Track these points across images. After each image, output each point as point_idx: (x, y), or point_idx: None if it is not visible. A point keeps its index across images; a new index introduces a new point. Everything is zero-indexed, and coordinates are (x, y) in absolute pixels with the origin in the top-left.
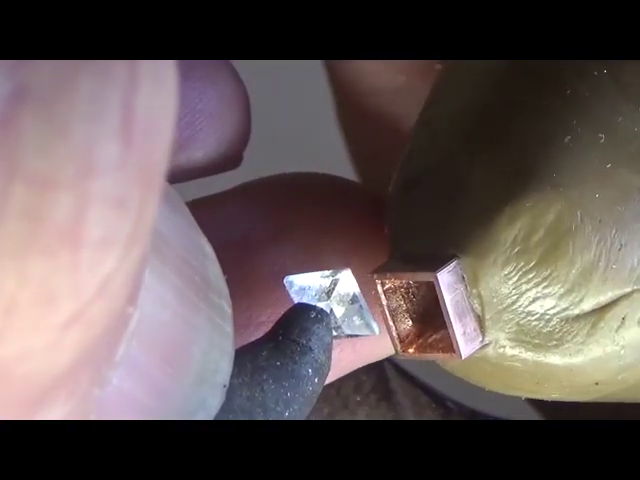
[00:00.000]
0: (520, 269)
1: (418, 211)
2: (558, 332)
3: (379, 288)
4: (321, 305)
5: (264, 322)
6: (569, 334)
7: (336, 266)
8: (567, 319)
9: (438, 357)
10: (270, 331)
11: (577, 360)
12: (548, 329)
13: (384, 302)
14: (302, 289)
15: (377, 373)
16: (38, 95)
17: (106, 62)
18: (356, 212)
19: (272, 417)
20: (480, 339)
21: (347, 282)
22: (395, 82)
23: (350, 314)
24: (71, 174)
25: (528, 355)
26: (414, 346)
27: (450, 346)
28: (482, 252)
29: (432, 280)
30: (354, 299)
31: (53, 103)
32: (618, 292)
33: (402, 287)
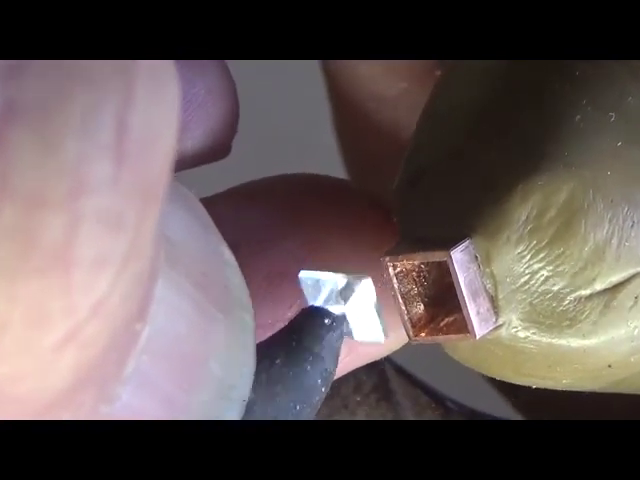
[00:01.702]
0: (533, 247)
1: (428, 196)
2: (571, 312)
3: (390, 271)
4: (334, 308)
5: (269, 324)
6: (582, 314)
7: (338, 263)
8: (580, 298)
9: (451, 339)
10: (283, 335)
11: (590, 341)
12: (561, 309)
13: (396, 286)
14: (317, 287)
15: (377, 373)
16: (29, 110)
17: (101, 75)
18: (356, 211)
19: None
20: (494, 319)
21: (367, 289)
22: (395, 89)
23: (363, 322)
24: (62, 192)
25: (541, 336)
26: (426, 330)
27: (464, 327)
28: (495, 231)
29: (445, 259)
30: (371, 308)
31: (44, 119)
32: (632, 270)
33: (414, 270)
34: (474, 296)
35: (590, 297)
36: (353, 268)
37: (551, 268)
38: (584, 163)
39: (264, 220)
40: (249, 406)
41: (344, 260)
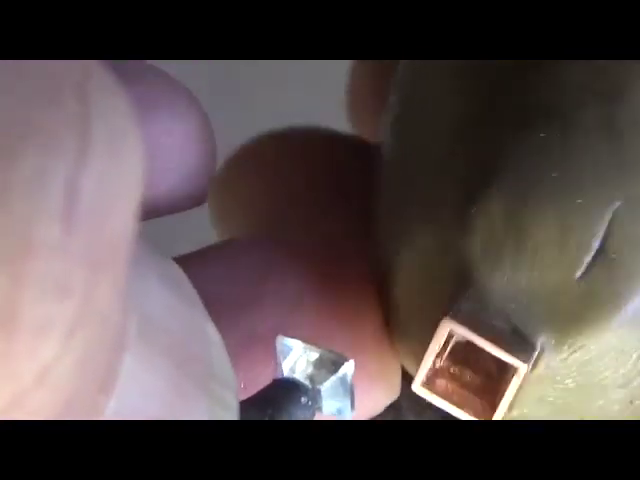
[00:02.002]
0: None
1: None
2: None
3: (443, 334)
4: (308, 381)
5: (241, 388)
6: None
7: (314, 332)
8: None
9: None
10: (256, 406)
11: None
12: None
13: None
14: (293, 356)
15: None
16: None
17: (54, 130)
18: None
19: None
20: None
21: (348, 371)
22: None
23: (336, 400)
24: (5, 253)
25: None
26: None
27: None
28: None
29: (517, 367)
30: (347, 389)
31: None
32: None
33: (464, 347)
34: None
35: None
36: (328, 338)
37: None
38: None
39: (243, 281)
40: None
41: (321, 327)
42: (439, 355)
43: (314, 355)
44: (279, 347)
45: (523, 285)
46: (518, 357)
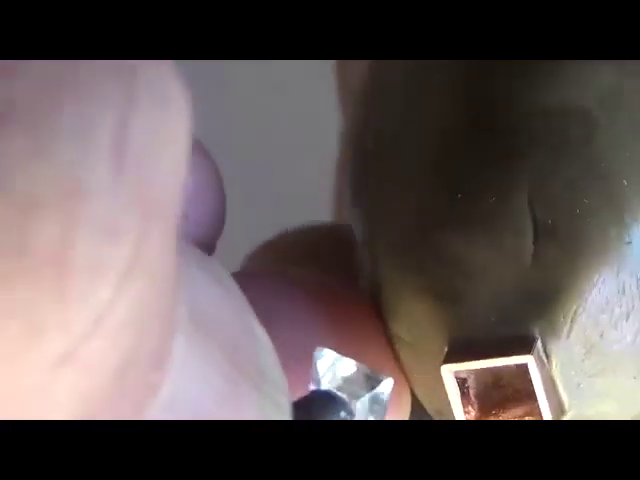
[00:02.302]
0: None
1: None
2: None
3: (451, 379)
4: (346, 396)
5: None
6: None
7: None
8: None
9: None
10: (296, 414)
11: None
12: None
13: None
14: (332, 369)
15: None
16: (23, 112)
17: (104, 77)
18: (350, 307)
19: None
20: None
21: (386, 389)
22: None
23: (366, 414)
24: (56, 196)
25: None
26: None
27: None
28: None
29: (526, 362)
30: (383, 408)
31: (39, 120)
32: None
33: (478, 374)
34: (548, 395)
35: None
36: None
37: None
38: None
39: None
40: None
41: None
42: (465, 398)
43: (351, 369)
44: (316, 358)
45: (495, 293)
46: (520, 353)
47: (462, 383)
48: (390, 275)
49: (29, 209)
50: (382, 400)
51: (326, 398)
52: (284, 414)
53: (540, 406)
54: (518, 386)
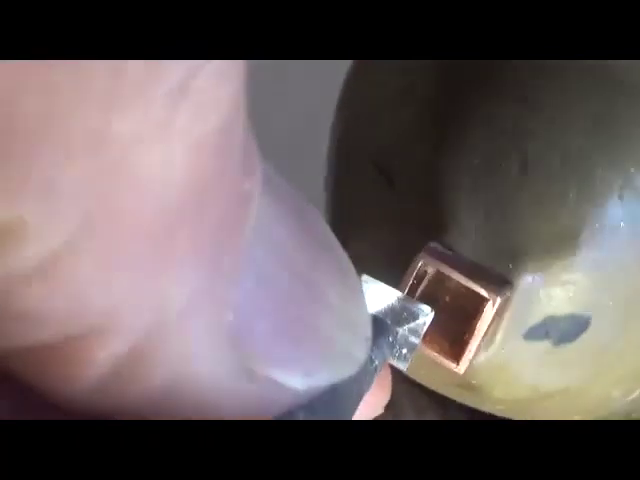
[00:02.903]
0: None
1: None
2: None
3: (415, 264)
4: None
5: None
6: None
7: None
8: None
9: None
10: None
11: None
12: None
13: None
14: (376, 295)
15: None
16: None
17: None
18: None
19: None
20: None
21: (425, 320)
22: None
23: (403, 346)
24: None
25: None
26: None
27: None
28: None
29: (489, 298)
30: (418, 338)
31: None
32: None
33: (441, 277)
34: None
35: None
36: None
37: None
38: None
39: None
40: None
41: None
42: (413, 290)
43: (397, 298)
44: (364, 284)
45: (494, 230)
46: (490, 290)
47: (421, 275)
48: None
49: None
50: (419, 333)
51: (380, 326)
52: (357, 280)
53: (472, 339)
54: (466, 308)
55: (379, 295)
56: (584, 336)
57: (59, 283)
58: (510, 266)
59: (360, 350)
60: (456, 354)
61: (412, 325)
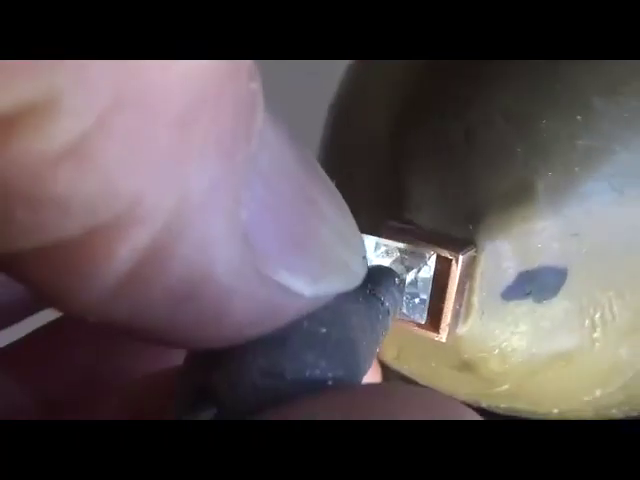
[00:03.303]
0: None
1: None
2: None
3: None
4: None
5: None
6: None
7: None
8: None
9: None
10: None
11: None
12: None
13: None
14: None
15: None
16: None
17: None
18: None
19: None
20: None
21: (430, 269)
22: None
23: (415, 297)
24: None
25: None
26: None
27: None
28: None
29: (452, 258)
30: (428, 286)
31: None
32: None
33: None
34: (458, 297)
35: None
36: None
37: None
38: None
39: None
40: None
41: None
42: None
43: (394, 250)
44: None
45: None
46: (452, 249)
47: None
48: None
49: None
50: (426, 278)
51: (381, 267)
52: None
53: (445, 302)
54: (438, 279)
55: (381, 247)
56: (565, 289)
57: (88, 164)
58: (470, 227)
59: (357, 264)
60: (435, 323)
61: (419, 273)
